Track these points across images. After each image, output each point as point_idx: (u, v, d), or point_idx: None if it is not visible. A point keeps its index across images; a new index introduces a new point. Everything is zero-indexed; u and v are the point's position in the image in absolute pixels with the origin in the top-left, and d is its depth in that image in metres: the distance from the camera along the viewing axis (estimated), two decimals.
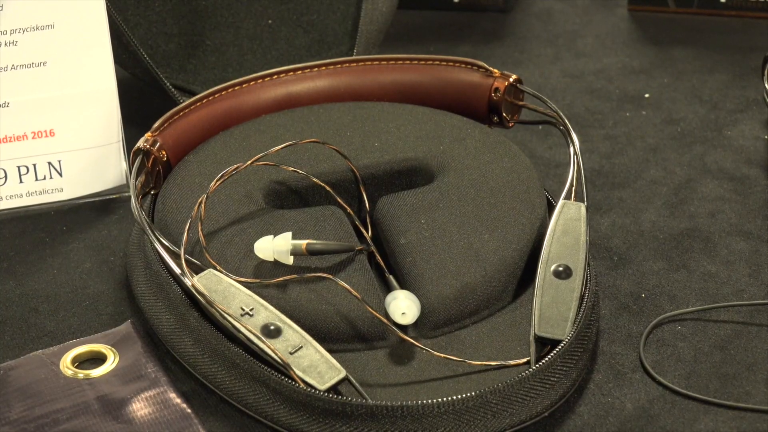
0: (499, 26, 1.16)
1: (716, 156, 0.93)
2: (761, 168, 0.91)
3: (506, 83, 0.85)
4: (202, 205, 0.74)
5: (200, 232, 0.73)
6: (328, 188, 0.78)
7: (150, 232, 0.73)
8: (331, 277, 0.70)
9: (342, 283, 0.69)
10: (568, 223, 0.74)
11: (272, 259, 0.72)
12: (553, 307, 0.70)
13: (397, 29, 1.12)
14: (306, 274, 0.71)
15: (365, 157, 0.81)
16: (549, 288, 0.71)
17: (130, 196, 0.76)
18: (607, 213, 0.86)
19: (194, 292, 0.69)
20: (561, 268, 0.72)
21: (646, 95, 1.02)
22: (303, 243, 0.71)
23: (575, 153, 0.79)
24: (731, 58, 1.08)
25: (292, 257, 0.72)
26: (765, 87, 0.94)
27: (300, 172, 0.78)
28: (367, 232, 0.77)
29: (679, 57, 1.08)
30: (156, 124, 0.82)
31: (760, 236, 0.83)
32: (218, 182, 0.75)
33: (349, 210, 0.77)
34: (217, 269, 0.71)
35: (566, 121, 0.82)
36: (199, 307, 0.70)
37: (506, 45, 1.12)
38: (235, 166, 0.76)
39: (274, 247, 0.71)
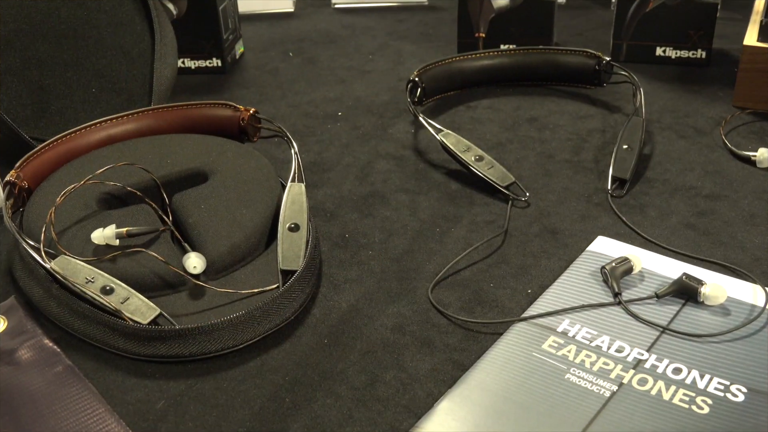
0: (239, 80, 1.11)
1: (384, 146, 0.92)
2: (411, 150, 0.91)
3: (249, 114, 0.82)
4: (52, 214, 0.68)
5: (53, 232, 0.67)
6: (139, 193, 0.73)
7: (19, 236, 0.67)
8: (144, 250, 0.66)
9: (152, 253, 0.66)
10: (294, 197, 0.72)
11: (104, 243, 0.67)
12: (290, 250, 0.68)
13: (178, 88, 1.07)
14: (128, 250, 0.66)
15: (162, 170, 0.76)
16: (286, 239, 0.69)
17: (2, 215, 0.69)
18: (321, 187, 0.85)
19: (52, 271, 0.63)
20: (293, 225, 0.69)
21: (339, 113, 1.00)
22: (124, 230, 0.67)
23: (295, 153, 0.77)
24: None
25: (117, 240, 0.67)
26: (408, 100, 0.94)
27: (119, 184, 0.73)
28: (168, 219, 0.72)
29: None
30: (18, 163, 0.75)
31: (414, 191, 0.83)
32: (62, 197, 0.69)
33: (154, 206, 0.73)
34: (66, 255, 0.65)
35: (288, 133, 0.80)
36: (57, 281, 0.65)
37: (251, 92, 1.08)
38: (73, 185, 0.70)
39: (104, 235, 0.67)
